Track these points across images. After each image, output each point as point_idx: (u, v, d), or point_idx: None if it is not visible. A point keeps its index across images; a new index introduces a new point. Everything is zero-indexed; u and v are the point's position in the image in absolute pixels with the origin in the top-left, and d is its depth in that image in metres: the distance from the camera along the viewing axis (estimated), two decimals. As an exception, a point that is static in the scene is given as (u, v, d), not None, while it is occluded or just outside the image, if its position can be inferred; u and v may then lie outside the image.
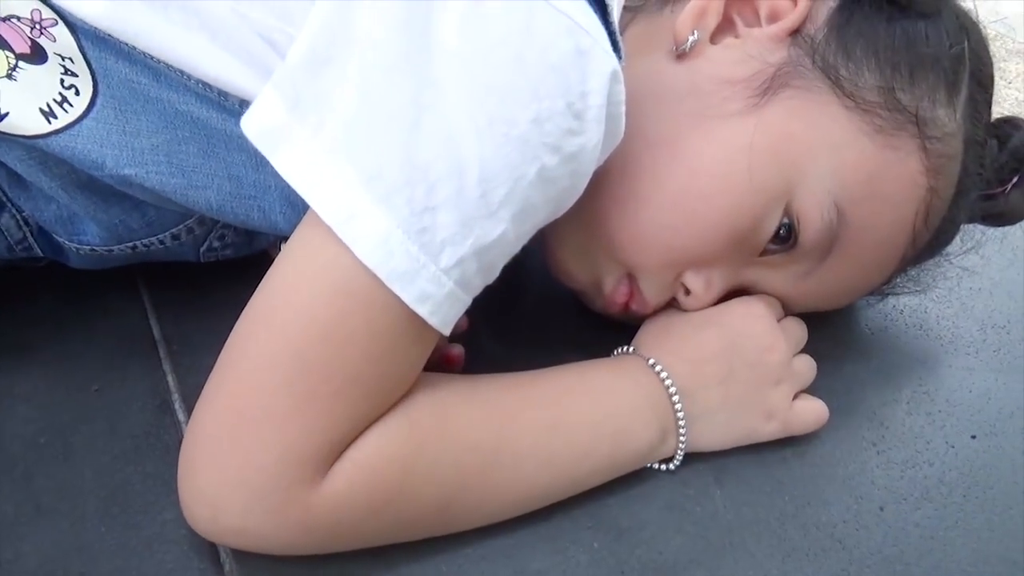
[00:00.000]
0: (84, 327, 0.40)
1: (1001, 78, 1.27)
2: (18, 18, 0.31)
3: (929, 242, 0.38)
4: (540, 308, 0.44)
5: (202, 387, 0.29)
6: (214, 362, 0.29)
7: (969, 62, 0.37)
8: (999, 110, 0.40)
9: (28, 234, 0.36)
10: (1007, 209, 0.40)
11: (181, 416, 0.36)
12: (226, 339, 0.29)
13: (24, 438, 0.34)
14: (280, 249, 0.34)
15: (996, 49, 0.74)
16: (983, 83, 0.38)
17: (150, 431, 0.35)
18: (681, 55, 0.35)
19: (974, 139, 0.37)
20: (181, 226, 0.37)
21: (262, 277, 0.29)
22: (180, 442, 0.29)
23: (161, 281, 0.42)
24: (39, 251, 0.37)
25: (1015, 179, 0.39)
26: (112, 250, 0.37)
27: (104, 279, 0.41)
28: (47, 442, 0.34)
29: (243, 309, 0.29)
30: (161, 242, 0.38)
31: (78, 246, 0.37)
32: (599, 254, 0.37)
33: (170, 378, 0.38)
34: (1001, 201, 0.40)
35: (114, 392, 0.37)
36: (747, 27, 0.35)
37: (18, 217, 0.36)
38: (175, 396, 0.37)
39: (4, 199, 0.35)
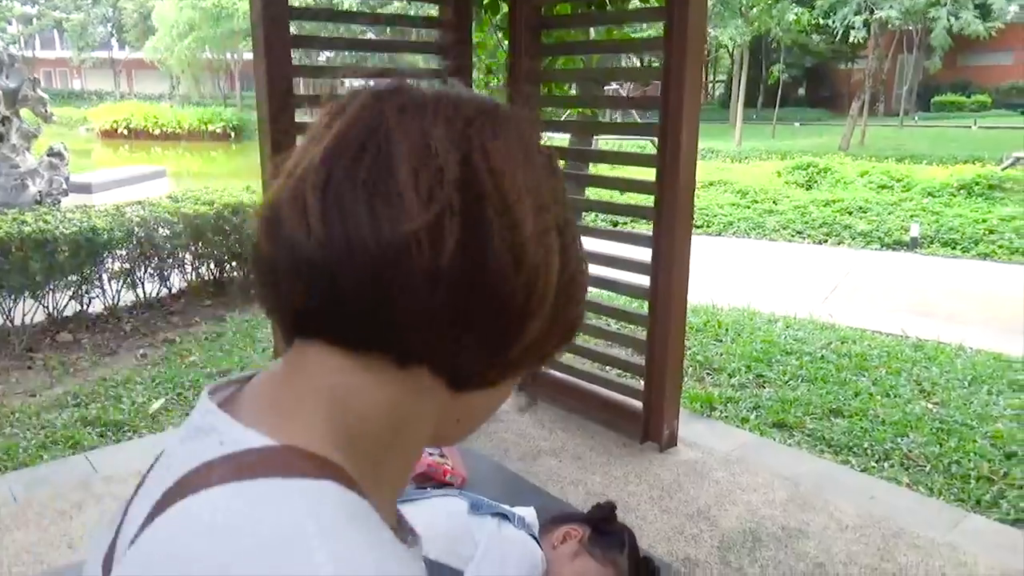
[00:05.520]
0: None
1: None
2: None
3: None
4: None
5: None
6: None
7: (628, 539, 1.41)
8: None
9: None
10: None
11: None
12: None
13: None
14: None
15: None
16: (634, 546, 1.42)
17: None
18: (555, 547, 1.37)
19: (632, 564, 1.40)
20: None
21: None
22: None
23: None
24: None
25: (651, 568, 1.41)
26: None
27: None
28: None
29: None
30: None
31: None
32: None
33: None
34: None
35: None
36: (569, 540, 1.39)
37: None
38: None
39: None
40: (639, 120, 7.93)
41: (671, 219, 2.88)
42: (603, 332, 3.65)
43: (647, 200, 2.99)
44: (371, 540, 0.44)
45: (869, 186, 11.28)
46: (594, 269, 3.51)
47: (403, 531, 0.57)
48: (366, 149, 0.47)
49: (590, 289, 3.32)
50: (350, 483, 0.46)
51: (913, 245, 8.52)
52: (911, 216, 9.29)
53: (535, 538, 1.35)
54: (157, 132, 25.68)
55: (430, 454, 1.87)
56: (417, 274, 0.46)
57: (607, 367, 3.64)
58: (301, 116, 2.85)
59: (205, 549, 0.42)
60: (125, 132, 25.83)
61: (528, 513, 1.40)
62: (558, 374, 3.55)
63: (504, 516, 1.35)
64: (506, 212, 0.48)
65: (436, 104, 0.50)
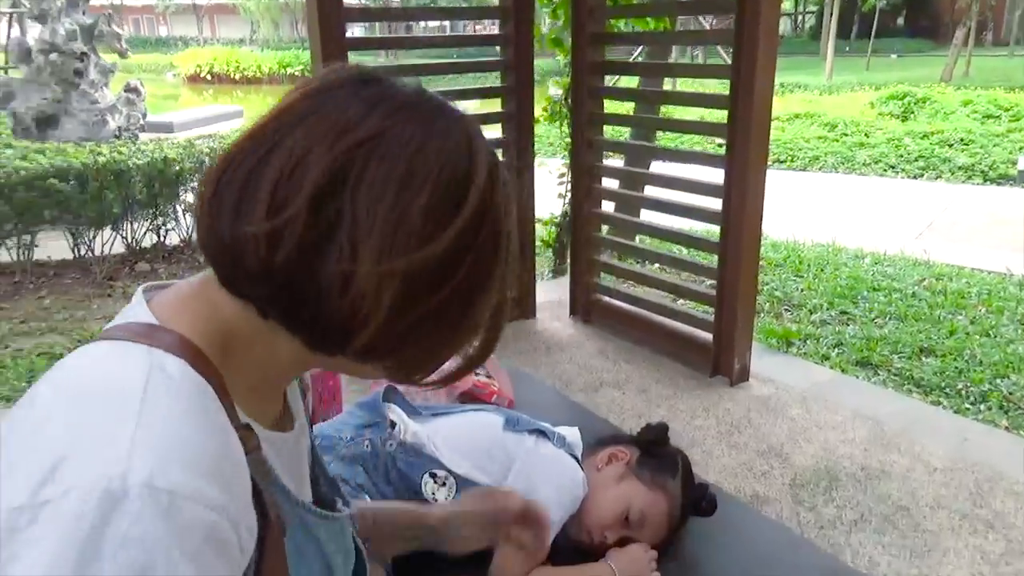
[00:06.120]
0: None
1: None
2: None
3: (679, 523, 1.25)
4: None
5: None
6: None
7: (682, 463, 1.28)
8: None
9: None
10: (703, 512, 1.28)
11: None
12: None
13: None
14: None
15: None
16: (688, 471, 1.28)
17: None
18: (599, 469, 1.25)
19: (687, 491, 1.26)
20: None
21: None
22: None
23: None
24: None
25: (704, 502, 1.28)
26: None
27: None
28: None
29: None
30: None
31: None
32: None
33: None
34: (700, 509, 1.28)
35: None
36: (615, 462, 1.26)
37: None
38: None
39: None
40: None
41: (745, 136, 2.65)
42: (672, 260, 3.46)
43: (720, 116, 2.75)
44: (192, 413, 0.51)
45: (973, 116, 10.42)
46: (661, 193, 3.32)
47: (285, 419, 0.68)
48: (258, 149, 0.54)
49: (657, 214, 3.07)
50: (202, 365, 0.55)
51: (1021, 179, 7.85)
52: (1020, 148, 8.54)
53: (577, 459, 1.23)
54: (238, 76, 26.12)
55: (476, 374, 1.77)
56: (253, 266, 0.53)
57: (676, 297, 3.46)
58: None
59: (63, 381, 0.53)
60: (208, 77, 26.38)
61: (571, 433, 1.28)
62: (623, 304, 3.39)
63: (542, 433, 1.23)
64: (352, 242, 0.51)
65: (350, 111, 0.54)
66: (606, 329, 3.47)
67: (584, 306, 3.55)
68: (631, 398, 2.89)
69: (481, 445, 1.21)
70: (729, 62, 2.74)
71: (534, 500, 1.03)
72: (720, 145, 2.81)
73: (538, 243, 5.14)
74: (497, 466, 1.18)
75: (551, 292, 3.94)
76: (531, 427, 1.24)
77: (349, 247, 0.51)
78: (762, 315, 4.02)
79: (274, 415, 0.66)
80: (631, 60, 5.01)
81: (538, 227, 4.87)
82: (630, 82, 4.77)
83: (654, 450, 1.26)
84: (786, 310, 4.16)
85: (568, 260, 4.59)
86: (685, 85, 9.14)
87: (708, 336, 3.02)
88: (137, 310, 0.58)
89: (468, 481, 1.17)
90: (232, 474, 0.51)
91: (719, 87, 3.01)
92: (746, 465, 2.44)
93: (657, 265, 4.22)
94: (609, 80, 3.69)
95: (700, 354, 3.05)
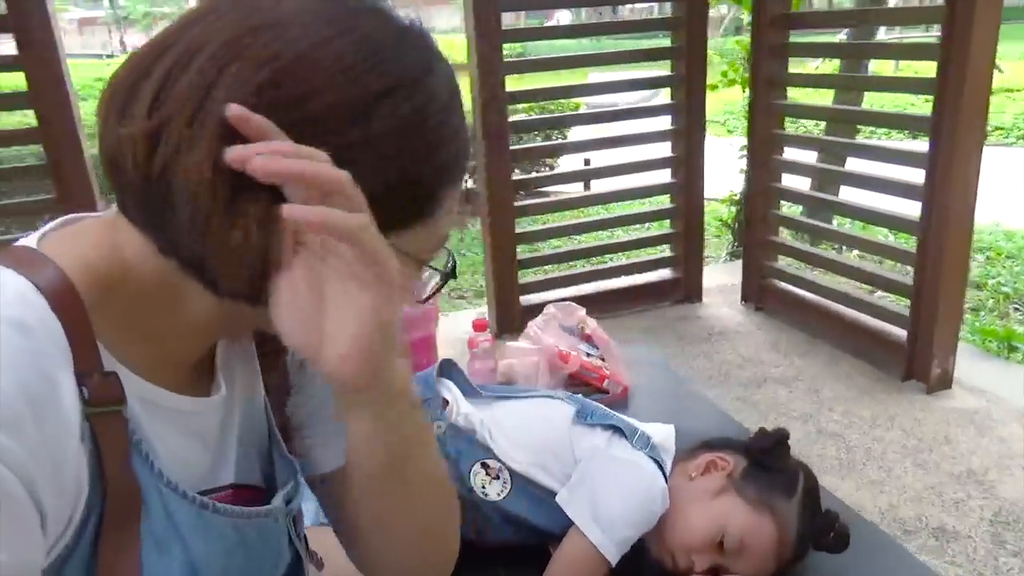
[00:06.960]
0: None
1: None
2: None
3: (791, 557, 0.98)
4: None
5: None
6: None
7: (803, 481, 1.00)
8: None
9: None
10: (829, 547, 0.99)
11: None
12: None
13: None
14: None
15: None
16: (811, 492, 1.01)
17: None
18: (692, 478, 1.01)
19: (806, 518, 0.99)
20: None
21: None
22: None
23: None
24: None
25: (831, 535, 0.99)
26: None
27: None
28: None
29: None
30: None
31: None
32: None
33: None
34: (824, 543, 1.00)
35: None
36: (714, 471, 1.01)
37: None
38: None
39: None
40: None
41: (958, 94, 2.17)
42: (860, 242, 2.99)
43: (928, 68, 2.28)
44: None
45: None
46: (852, 164, 2.87)
47: (206, 383, 0.59)
48: (158, 47, 0.47)
49: (846, 188, 2.63)
50: (60, 298, 0.47)
51: None
52: None
53: (660, 464, 0.99)
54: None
55: (587, 355, 1.57)
56: (132, 176, 0.47)
57: (873, 289, 2.99)
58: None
59: None
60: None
61: (660, 432, 1.05)
62: (801, 291, 2.99)
63: (618, 430, 1.02)
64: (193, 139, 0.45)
65: (264, 2, 0.48)
66: (780, 318, 3.09)
67: (757, 292, 3.18)
68: (799, 398, 2.52)
69: (545, 439, 1.02)
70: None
71: None
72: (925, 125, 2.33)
73: (716, 223, 4.76)
74: (561, 465, 0.99)
75: (724, 275, 3.59)
76: (606, 421, 1.03)
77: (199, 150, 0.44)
78: (983, 313, 3.41)
79: (181, 375, 0.56)
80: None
81: (715, 206, 4.51)
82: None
83: (767, 462, 1.00)
84: (1015, 309, 3.50)
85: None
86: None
87: (902, 333, 2.56)
88: (31, 239, 0.52)
89: (526, 479, 0.99)
90: (34, 419, 0.42)
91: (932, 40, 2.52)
92: (935, 490, 2.01)
93: (848, 250, 3.72)
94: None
95: (891, 353, 2.60)
